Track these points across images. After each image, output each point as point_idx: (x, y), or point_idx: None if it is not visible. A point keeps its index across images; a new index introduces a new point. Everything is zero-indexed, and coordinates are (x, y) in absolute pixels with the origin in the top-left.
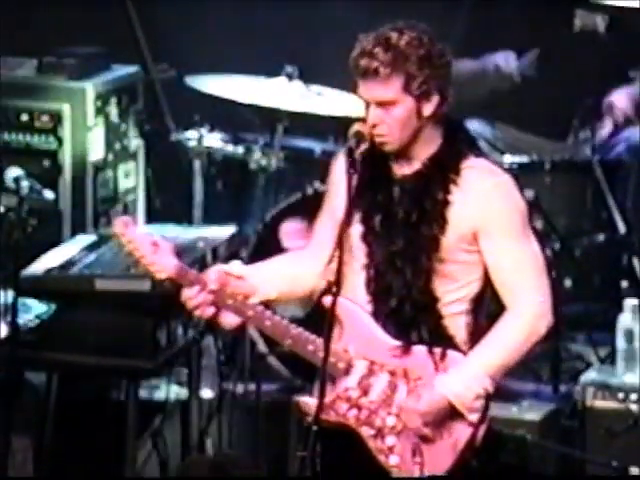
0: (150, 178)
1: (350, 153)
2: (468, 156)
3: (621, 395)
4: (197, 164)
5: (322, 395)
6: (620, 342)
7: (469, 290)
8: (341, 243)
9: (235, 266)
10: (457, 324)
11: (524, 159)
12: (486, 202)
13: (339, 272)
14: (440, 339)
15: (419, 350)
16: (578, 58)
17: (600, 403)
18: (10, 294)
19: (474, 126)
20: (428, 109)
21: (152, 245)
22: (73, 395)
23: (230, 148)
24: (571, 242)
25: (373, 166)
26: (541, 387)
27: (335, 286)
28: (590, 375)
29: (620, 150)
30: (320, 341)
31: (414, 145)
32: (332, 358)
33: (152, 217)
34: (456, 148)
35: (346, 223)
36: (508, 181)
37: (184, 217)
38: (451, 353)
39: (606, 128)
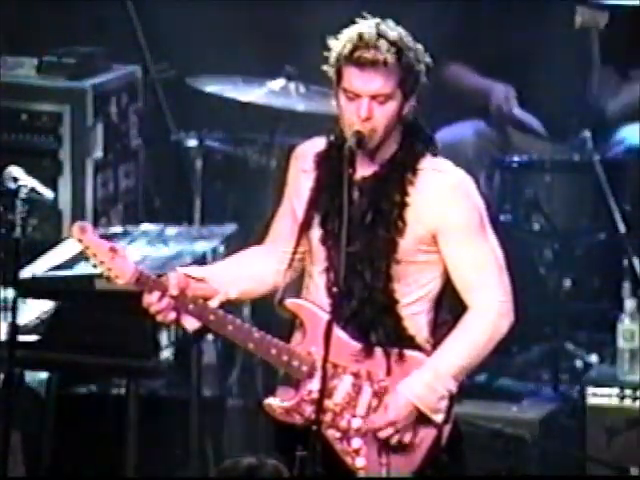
0: (150, 178)
1: (350, 153)
2: (425, 156)
3: (621, 394)
4: (197, 164)
5: (322, 395)
6: (620, 342)
7: (429, 289)
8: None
9: (195, 268)
10: (418, 324)
11: (524, 158)
12: (443, 203)
13: (338, 273)
14: (400, 340)
15: (381, 352)
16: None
17: (600, 402)
18: (10, 294)
19: (475, 126)
20: (407, 109)
21: (110, 250)
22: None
23: (230, 148)
24: (571, 242)
25: (332, 168)
26: (541, 387)
27: (335, 287)
28: (590, 374)
29: (620, 150)
30: (283, 345)
31: (380, 145)
32: (295, 361)
33: (152, 217)
34: (413, 148)
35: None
36: (464, 180)
37: (184, 217)
38: (410, 353)
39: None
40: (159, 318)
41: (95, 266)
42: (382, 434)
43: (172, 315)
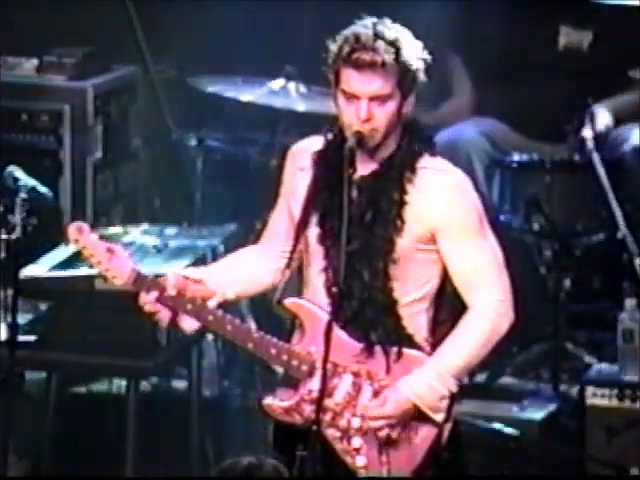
0: (150, 178)
1: (351, 152)
2: (423, 155)
3: (621, 394)
4: (197, 164)
5: (322, 395)
6: (620, 342)
7: (428, 288)
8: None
9: (193, 270)
10: (417, 323)
11: (524, 158)
12: (442, 202)
13: (337, 272)
14: (400, 339)
15: (381, 351)
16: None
17: (600, 402)
18: (10, 294)
19: (475, 126)
20: (407, 108)
21: (107, 251)
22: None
23: (230, 148)
24: (571, 242)
25: (330, 166)
26: (541, 387)
27: (336, 286)
28: (590, 374)
29: (623, 150)
30: (282, 344)
31: (380, 144)
32: (295, 361)
33: (152, 217)
34: (412, 147)
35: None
36: (463, 180)
37: (184, 217)
38: (409, 352)
39: (588, 135)
40: (156, 318)
41: (92, 267)
42: (374, 424)
43: (168, 315)
